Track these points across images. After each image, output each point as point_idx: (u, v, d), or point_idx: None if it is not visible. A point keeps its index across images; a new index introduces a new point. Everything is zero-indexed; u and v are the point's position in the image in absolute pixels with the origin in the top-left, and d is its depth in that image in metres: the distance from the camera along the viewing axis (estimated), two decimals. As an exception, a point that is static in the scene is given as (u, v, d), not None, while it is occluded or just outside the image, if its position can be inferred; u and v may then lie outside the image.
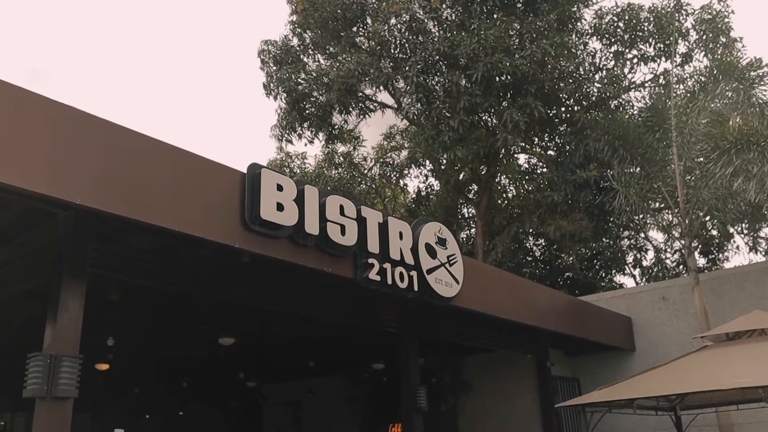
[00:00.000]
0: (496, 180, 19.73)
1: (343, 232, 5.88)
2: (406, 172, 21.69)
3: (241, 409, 16.42)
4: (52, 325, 4.89)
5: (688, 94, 14.25)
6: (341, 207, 5.98)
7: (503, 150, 15.63)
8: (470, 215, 22.04)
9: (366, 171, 21.34)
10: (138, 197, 4.57)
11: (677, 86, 15.11)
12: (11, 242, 5.93)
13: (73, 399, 4.76)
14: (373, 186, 21.41)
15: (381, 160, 21.49)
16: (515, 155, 18.81)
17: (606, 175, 13.67)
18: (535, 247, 21.70)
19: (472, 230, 21.47)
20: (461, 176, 18.73)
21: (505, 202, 21.32)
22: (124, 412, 12.75)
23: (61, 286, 4.95)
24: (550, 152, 18.49)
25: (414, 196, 21.90)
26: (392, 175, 22.03)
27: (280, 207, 5.33)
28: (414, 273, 6.67)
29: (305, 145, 19.63)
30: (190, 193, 4.88)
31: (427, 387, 8.54)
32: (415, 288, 6.64)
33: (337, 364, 13.04)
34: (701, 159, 11.55)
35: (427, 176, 21.52)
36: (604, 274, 21.41)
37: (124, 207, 4.47)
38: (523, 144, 17.32)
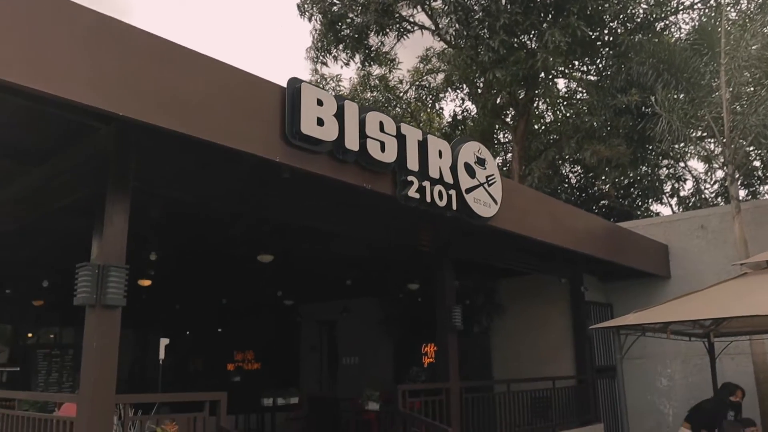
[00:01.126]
0: (534, 104, 19.35)
1: (382, 149, 5.83)
2: (441, 95, 21.37)
3: (277, 327, 16.86)
4: (99, 238, 5.00)
5: (741, 17, 13.61)
6: (381, 123, 5.90)
7: (543, 73, 15.24)
8: (506, 140, 21.76)
9: (401, 94, 21.07)
10: (180, 110, 4.55)
11: (729, 8, 14.41)
12: (53, 158, 6.00)
13: (120, 308, 4.91)
14: (409, 109, 21.17)
15: (417, 83, 21.16)
16: (555, 79, 18.36)
17: (648, 101, 13.26)
18: (571, 174, 21.43)
19: (508, 155, 21.26)
20: (498, 100, 18.39)
21: (543, 127, 20.96)
22: (165, 329, 13.17)
23: (106, 199, 5.02)
24: (591, 76, 18.00)
25: (450, 120, 21.62)
26: (428, 99, 21.73)
27: (320, 122, 5.27)
28: (453, 192, 6.64)
29: (341, 67, 19.41)
30: (232, 107, 4.84)
31: (462, 308, 8.65)
32: (454, 207, 6.62)
33: (372, 285, 13.20)
34: (751, 87, 11.14)
35: (463, 100, 21.19)
36: (640, 203, 21.10)
37: (167, 119, 4.45)
38: (563, 68, 16.86)
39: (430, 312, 8.93)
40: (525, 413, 9.52)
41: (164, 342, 6.71)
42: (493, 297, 12.65)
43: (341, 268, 11.04)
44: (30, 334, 16.76)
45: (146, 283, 10.05)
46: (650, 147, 16.21)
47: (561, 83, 19.79)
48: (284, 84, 5.26)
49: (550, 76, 17.28)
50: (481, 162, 7.22)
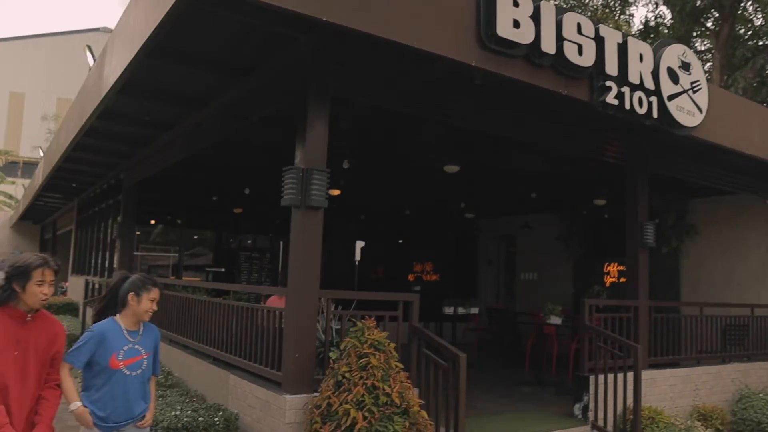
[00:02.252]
0: (741, 5, 17.27)
1: (580, 52, 5.52)
2: (631, 0, 19.74)
3: (456, 241, 17.13)
4: (302, 144, 5.29)
5: None
6: (578, 25, 5.56)
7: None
8: (705, 48, 19.76)
9: (587, 0, 19.73)
10: (378, 13, 4.57)
11: None
12: (254, 71, 6.35)
13: (323, 209, 5.22)
14: (595, 16, 19.81)
15: (604, -13, 19.68)
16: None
17: None
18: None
19: (707, 65, 19.33)
20: (699, 2, 16.62)
21: (751, 31, 18.71)
22: (350, 238, 13.88)
23: (307, 107, 5.27)
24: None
25: (640, 28, 19.96)
26: (615, 5, 20.17)
27: (516, 24, 5.07)
28: (653, 99, 6.17)
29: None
30: (427, 10, 4.78)
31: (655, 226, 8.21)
32: (654, 115, 6.17)
33: (554, 200, 12.88)
34: None
35: (656, 4, 19.41)
36: None
37: (367, 23, 4.49)
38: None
39: (616, 229, 8.54)
40: (716, 339, 8.99)
41: (360, 244, 7.05)
42: (685, 217, 11.87)
43: (525, 181, 10.84)
44: (231, 240, 18.52)
45: (335, 192, 10.54)
46: None
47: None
48: (477, -15, 5.10)
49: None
50: (685, 66, 6.62)
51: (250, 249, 18.14)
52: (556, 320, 9.71)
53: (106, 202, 14.30)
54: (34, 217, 26.27)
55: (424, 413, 4.75)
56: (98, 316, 3.87)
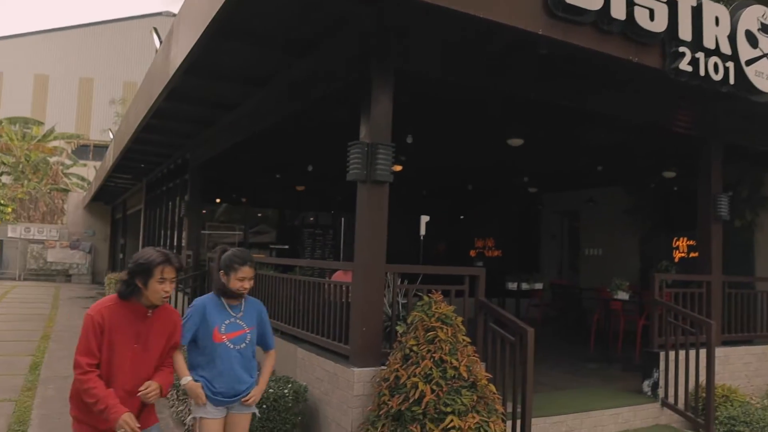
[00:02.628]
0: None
1: (651, 17, 5.31)
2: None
3: (518, 216, 16.92)
4: (366, 117, 5.29)
5: None
6: (650, -11, 5.35)
7: None
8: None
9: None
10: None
11: None
12: (317, 47, 6.37)
13: (388, 183, 5.22)
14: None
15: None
16: None
17: None
18: None
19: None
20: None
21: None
22: (411, 214, 13.87)
23: (371, 82, 5.26)
24: None
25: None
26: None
27: (584, -10, 4.92)
28: (730, 64, 5.89)
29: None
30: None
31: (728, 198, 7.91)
32: (731, 81, 5.89)
33: (620, 173, 12.53)
34: None
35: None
36: None
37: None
38: None
39: (686, 203, 8.26)
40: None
41: (425, 219, 7.04)
42: (760, 189, 11.38)
43: (591, 154, 10.57)
44: (294, 217, 18.82)
45: (397, 168, 10.53)
46: None
47: None
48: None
49: None
50: (765, 29, 6.28)
51: (313, 226, 18.40)
52: (623, 296, 9.51)
53: (173, 181, 14.70)
54: (105, 198, 27.26)
55: (492, 387, 4.75)
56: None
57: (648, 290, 7.32)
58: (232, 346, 3.70)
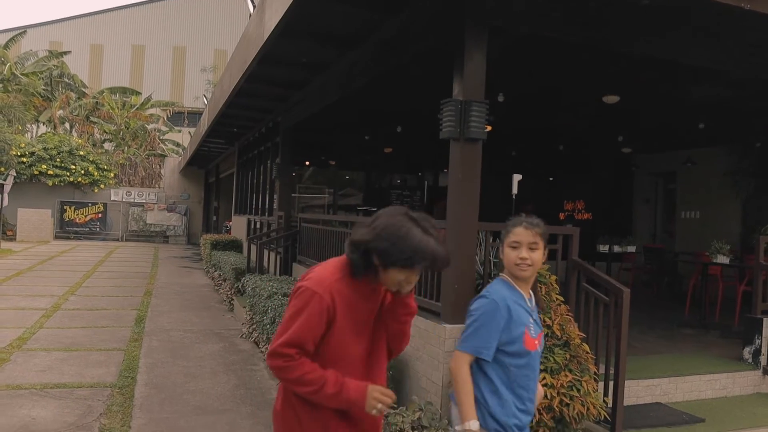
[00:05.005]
0: None
1: (766, -39, 4.97)
2: None
3: (611, 177, 16.40)
4: (459, 75, 5.24)
5: None
6: (764, -69, 4.99)
7: None
8: None
9: None
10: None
11: None
12: (409, 3, 6.32)
13: (481, 141, 5.19)
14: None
15: None
16: None
17: None
18: None
19: None
20: None
21: None
22: (501, 174, 13.72)
23: (464, 36, 5.19)
24: None
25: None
26: None
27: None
28: None
29: None
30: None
31: None
32: None
33: (724, 132, 11.88)
34: None
35: None
36: None
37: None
38: None
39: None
40: None
41: (517, 177, 6.96)
42: None
43: (692, 111, 10.07)
44: (382, 179, 18.99)
45: (488, 128, 10.37)
46: None
47: None
48: None
49: None
50: None
51: (400, 188, 18.54)
52: (723, 260, 9.10)
53: (265, 144, 15.10)
54: (199, 162, 28.33)
55: (585, 346, 4.71)
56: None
57: (751, 254, 6.98)
58: (539, 355, 2.82)
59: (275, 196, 13.24)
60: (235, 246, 16.98)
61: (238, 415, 5.91)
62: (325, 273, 2.35)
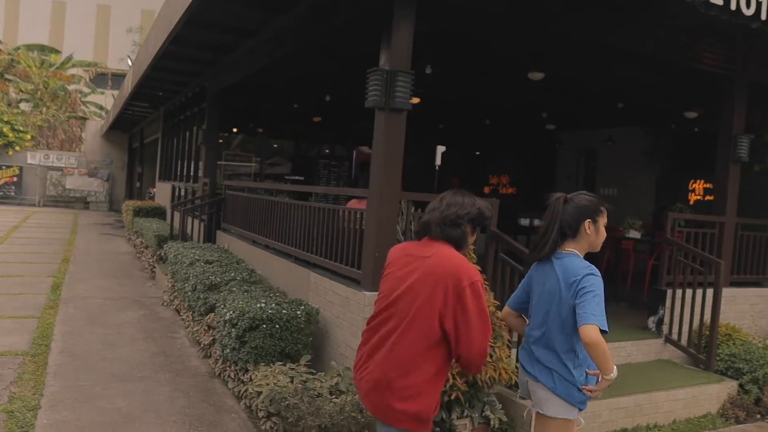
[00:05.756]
0: None
1: (681, -53, 5.17)
2: None
3: (535, 153, 16.82)
4: (387, 45, 5.25)
5: None
6: None
7: None
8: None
9: None
10: None
11: None
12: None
13: (406, 111, 5.23)
14: None
15: None
16: None
17: None
18: None
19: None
20: None
21: None
22: (428, 147, 13.93)
23: (393, 6, 5.19)
24: None
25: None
26: None
27: None
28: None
29: None
30: None
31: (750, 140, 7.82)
32: (762, 17, 5.74)
33: (641, 113, 12.34)
34: None
35: None
36: None
37: None
38: None
39: (705, 144, 8.16)
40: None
41: (441, 149, 7.06)
42: (783, 134, 11.22)
43: (612, 91, 10.42)
44: (310, 148, 18.87)
45: (415, 100, 10.42)
46: None
47: None
48: None
49: None
50: (800, -37, 6.09)
51: (329, 157, 18.46)
52: (635, 234, 9.54)
53: (191, 110, 14.73)
54: (123, 126, 27.38)
55: (499, 313, 4.86)
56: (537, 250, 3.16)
57: (661, 230, 7.34)
58: None
59: (201, 163, 12.98)
60: (158, 213, 16.60)
61: (157, 382, 5.86)
62: (464, 262, 2.77)
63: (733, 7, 5.48)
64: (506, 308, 3.46)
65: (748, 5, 5.57)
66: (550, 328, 3.07)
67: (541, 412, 3.10)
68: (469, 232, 2.89)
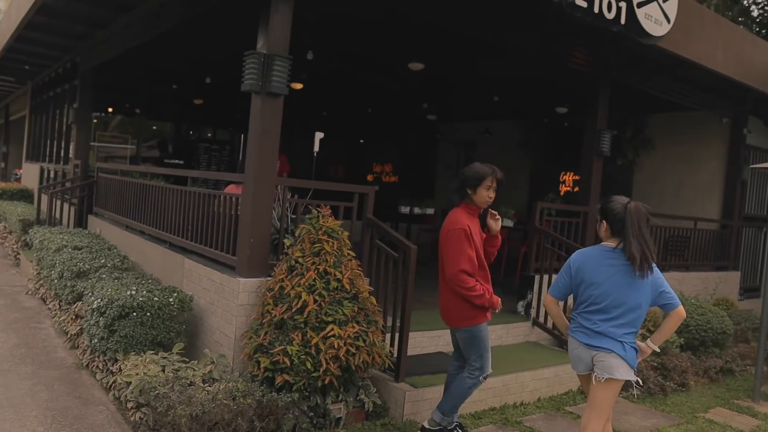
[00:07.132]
0: None
1: (550, -50, 5.43)
2: None
3: (417, 144, 17.16)
4: (264, 28, 5.17)
5: None
6: None
7: None
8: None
9: None
10: None
11: None
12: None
13: (283, 96, 5.18)
14: None
15: None
16: None
17: None
18: (754, 6, 19.02)
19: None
20: None
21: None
22: (310, 134, 13.90)
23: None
24: None
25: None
26: None
27: None
28: (623, 4, 6.15)
29: None
30: None
31: (611, 135, 8.36)
32: (622, 21, 6.16)
33: (517, 107, 12.90)
34: None
35: None
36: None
37: None
38: None
39: (574, 139, 8.63)
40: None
41: (319, 135, 7.04)
42: (643, 130, 12.09)
43: (489, 85, 10.78)
44: (191, 132, 18.24)
45: (298, 86, 10.37)
46: None
47: None
48: None
49: None
50: (657, -27, 6.57)
51: (210, 141, 17.94)
52: (508, 223, 9.98)
53: (62, 86, 13.84)
54: (-15, 101, 25.34)
55: (373, 299, 4.95)
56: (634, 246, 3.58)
57: (532, 219, 7.73)
58: None
59: (72, 144, 12.24)
60: (25, 196, 15.54)
61: (17, 375, 5.51)
62: (453, 217, 4.43)
63: (596, 10, 5.84)
64: (551, 298, 3.93)
65: (609, 9, 5.96)
66: (632, 309, 3.62)
67: (612, 377, 3.59)
68: (458, 191, 4.53)
